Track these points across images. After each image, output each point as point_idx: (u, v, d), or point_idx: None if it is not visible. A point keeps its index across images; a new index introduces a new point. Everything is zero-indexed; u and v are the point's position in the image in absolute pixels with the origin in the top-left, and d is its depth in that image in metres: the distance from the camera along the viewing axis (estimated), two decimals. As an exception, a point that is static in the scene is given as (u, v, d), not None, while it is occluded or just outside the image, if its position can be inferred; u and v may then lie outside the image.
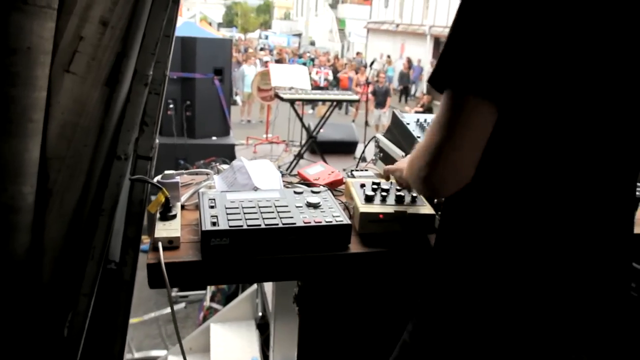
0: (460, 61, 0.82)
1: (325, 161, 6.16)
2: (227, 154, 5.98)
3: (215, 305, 3.31)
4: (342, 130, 7.15)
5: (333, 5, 39.44)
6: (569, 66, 0.81)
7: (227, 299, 3.29)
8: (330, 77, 15.57)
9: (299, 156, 6.09)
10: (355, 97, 6.28)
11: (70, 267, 1.19)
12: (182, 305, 3.91)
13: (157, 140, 1.33)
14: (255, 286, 2.71)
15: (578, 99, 0.83)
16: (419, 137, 1.40)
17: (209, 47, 5.93)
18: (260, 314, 2.61)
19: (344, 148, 6.96)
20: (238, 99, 13.44)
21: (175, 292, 3.93)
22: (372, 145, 1.68)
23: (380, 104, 11.31)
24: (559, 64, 0.81)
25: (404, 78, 18.37)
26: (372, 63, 8.89)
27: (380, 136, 1.58)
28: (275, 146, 6.87)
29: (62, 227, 1.17)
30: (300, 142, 6.51)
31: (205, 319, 3.21)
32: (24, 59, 1.02)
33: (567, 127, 0.85)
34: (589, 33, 0.80)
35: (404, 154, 1.42)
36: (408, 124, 1.46)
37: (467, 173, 0.84)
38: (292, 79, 6.31)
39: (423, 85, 19.84)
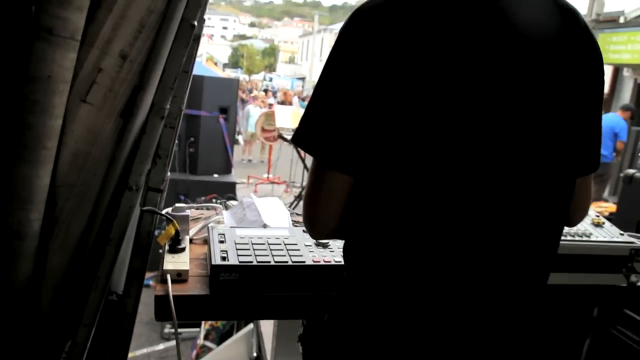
0: (315, 131, 0.85)
1: (325, 203, 6.10)
2: (228, 192, 5.97)
3: (209, 344, 3.25)
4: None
5: (337, 52, 40.19)
6: (420, 126, 0.79)
7: (221, 338, 3.23)
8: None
9: (300, 197, 6.09)
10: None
11: (71, 295, 1.17)
12: (174, 342, 3.83)
13: (168, 174, 1.34)
14: (250, 326, 2.66)
15: (440, 155, 0.80)
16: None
17: (216, 86, 6.01)
18: (255, 354, 2.55)
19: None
20: (240, 138, 13.56)
21: (167, 329, 3.86)
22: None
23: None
24: (408, 126, 0.79)
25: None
26: None
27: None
28: (276, 186, 6.87)
29: (65, 255, 1.16)
30: (301, 184, 6.53)
31: (198, 357, 3.14)
32: (44, 87, 1.04)
33: (434, 184, 0.81)
34: (434, 93, 0.79)
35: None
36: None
37: (328, 225, 0.90)
38: (297, 120, 6.35)
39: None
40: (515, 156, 0.83)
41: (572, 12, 0.89)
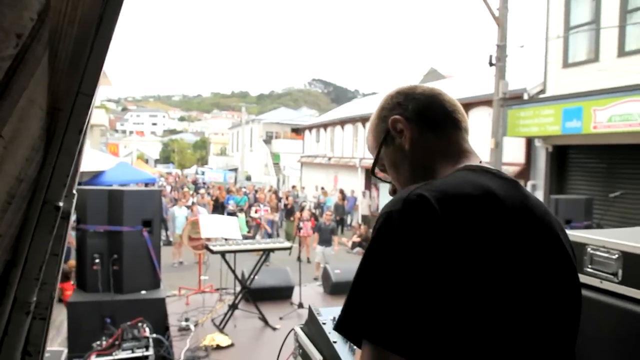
0: (378, 316, 0.82)
1: (259, 310, 5.92)
2: (157, 309, 5.63)
3: None
4: (277, 275, 6.94)
5: (267, 141, 41.03)
6: (482, 319, 0.85)
7: None
8: (276, 218, 15.74)
9: (234, 307, 5.81)
10: (287, 244, 6.18)
11: None
12: None
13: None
14: None
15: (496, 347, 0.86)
16: (334, 341, 1.28)
17: (137, 199, 5.78)
18: None
19: (280, 294, 6.76)
20: (171, 239, 13.18)
21: None
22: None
23: (326, 241, 11.10)
24: (471, 316, 0.84)
25: (339, 209, 18.78)
26: (301, 209, 9.17)
27: (298, 330, 1.47)
28: (208, 296, 6.55)
29: None
30: (234, 290, 6.27)
31: None
32: None
33: None
34: (494, 284, 0.86)
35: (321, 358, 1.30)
36: (324, 323, 1.35)
37: None
38: (223, 229, 6.22)
39: (358, 215, 20.34)
40: (549, 336, 0.93)
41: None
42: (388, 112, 1.15)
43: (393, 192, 1.18)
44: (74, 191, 1.23)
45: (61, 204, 1.13)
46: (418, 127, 1.11)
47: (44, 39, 0.96)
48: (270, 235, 14.32)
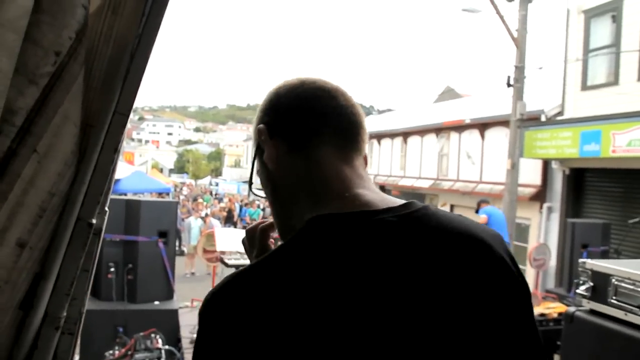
0: None
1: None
2: (170, 320, 5.65)
3: None
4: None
5: (282, 154, 40.97)
6: None
7: None
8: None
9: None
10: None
11: None
12: None
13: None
14: None
15: None
16: None
17: (154, 210, 5.83)
18: None
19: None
20: (185, 249, 13.24)
21: None
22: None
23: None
24: None
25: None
26: None
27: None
28: (220, 308, 6.56)
29: None
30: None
31: None
32: None
33: None
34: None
35: None
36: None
37: None
38: (238, 243, 6.18)
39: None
40: None
41: (474, 240, 0.81)
42: (261, 116, 0.91)
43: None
44: (106, 208, 1.25)
45: (94, 221, 1.15)
46: (283, 143, 0.86)
47: (80, 57, 0.98)
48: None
